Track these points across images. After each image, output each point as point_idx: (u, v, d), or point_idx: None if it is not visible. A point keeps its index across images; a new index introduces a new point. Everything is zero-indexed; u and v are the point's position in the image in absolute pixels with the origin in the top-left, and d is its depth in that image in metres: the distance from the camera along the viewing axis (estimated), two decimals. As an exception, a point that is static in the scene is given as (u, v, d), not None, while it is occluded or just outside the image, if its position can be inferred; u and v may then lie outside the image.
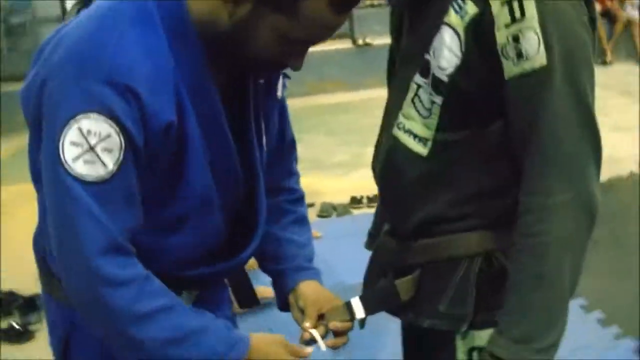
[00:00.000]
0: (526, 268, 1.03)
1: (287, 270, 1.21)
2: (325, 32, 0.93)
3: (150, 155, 0.92)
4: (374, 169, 1.25)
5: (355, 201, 4.23)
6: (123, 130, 0.88)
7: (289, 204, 1.25)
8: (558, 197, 0.99)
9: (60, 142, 0.88)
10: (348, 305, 1.17)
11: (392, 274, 1.22)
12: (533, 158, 1.01)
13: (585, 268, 1.05)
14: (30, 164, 1.00)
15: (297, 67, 0.97)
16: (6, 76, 6.29)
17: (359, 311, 1.17)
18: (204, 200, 0.99)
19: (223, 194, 1.02)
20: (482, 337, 1.12)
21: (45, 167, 0.92)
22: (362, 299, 1.17)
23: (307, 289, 1.20)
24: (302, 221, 1.25)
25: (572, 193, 1.00)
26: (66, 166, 0.88)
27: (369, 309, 1.17)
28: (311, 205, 4.33)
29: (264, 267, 1.25)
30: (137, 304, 0.91)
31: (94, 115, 0.87)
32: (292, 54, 0.96)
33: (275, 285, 1.24)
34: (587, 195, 1.01)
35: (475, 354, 1.15)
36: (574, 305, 2.76)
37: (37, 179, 0.99)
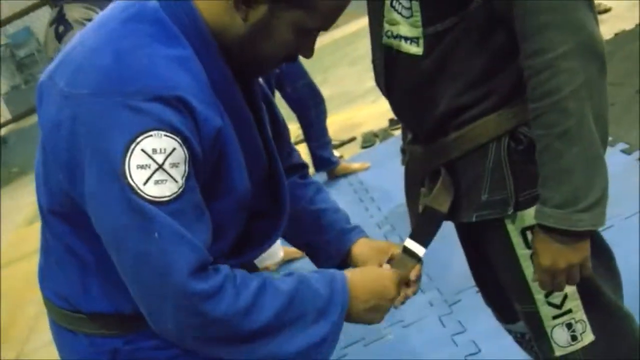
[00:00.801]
0: (549, 130, 1.01)
1: (333, 238, 1.21)
2: (339, 13, 0.93)
3: (202, 164, 0.90)
4: (379, 84, 1.26)
5: (394, 122, 4.19)
6: (185, 141, 0.85)
7: (304, 179, 1.25)
8: (560, 49, 0.97)
9: (126, 169, 0.83)
10: (406, 250, 1.17)
11: (427, 182, 1.25)
12: (525, 18, 1.00)
13: (627, 114, 1.02)
14: (47, 200, 0.96)
15: (309, 55, 0.98)
16: (28, 110, 6.41)
17: (418, 249, 1.17)
18: (241, 202, 0.98)
19: (254, 192, 1.01)
20: (531, 214, 1.11)
21: (103, 207, 0.86)
22: (413, 236, 1.18)
23: (360, 248, 1.20)
24: (322, 189, 1.25)
25: (573, 42, 0.97)
26: (139, 192, 0.83)
27: (424, 242, 1.17)
28: (353, 139, 4.33)
29: (305, 244, 1.24)
30: (239, 300, 0.90)
31: (155, 133, 0.83)
32: (307, 44, 0.96)
33: (322, 257, 1.23)
34: (589, 40, 0.98)
35: (528, 234, 1.16)
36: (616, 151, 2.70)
37: (51, 217, 0.96)
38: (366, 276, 1.05)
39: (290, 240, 1.24)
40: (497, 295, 1.38)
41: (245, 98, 0.99)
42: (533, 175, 1.08)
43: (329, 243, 1.20)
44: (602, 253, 1.22)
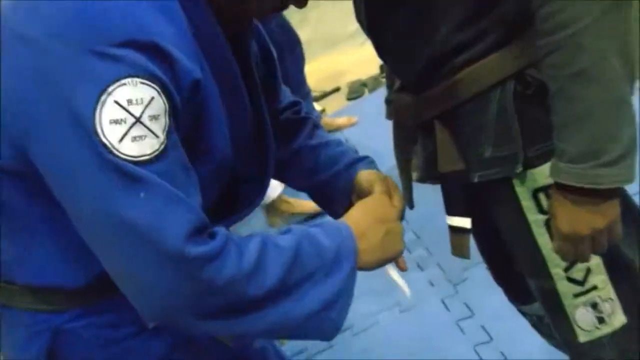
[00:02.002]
0: (562, 70, 1.01)
1: (342, 171, 1.25)
2: None
3: (181, 118, 0.91)
4: (359, 20, 1.25)
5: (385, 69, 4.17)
6: (164, 89, 0.86)
7: (298, 114, 1.30)
8: None
9: (97, 125, 0.82)
10: (453, 229, 1.22)
11: (421, 138, 1.28)
12: None
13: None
14: None
15: (303, 5, 1.01)
16: None
17: (464, 222, 1.22)
18: (221, 164, 1.02)
19: (236, 156, 1.05)
20: (544, 172, 1.12)
21: (71, 172, 0.86)
22: (449, 212, 1.23)
23: (365, 176, 1.24)
24: (319, 125, 1.31)
25: None
26: (115, 152, 0.83)
27: (462, 212, 1.23)
28: (337, 90, 4.30)
29: (311, 186, 1.30)
30: (243, 262, 0.93)
31: (129, 80, 0.83)
32: None
33: (329, 193, 1.28)
34: None
35: (541, 196, 1.16)
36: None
37: None
38: (361, 209, 1.11)
39: (294, 183, 1.30)
40: (508, 271, 1.39)
41: (237, 55, 1.02)
42: (545, 126, 1.08)
43: (337, 177, 1.26)
44: (632, 218, 1.21)
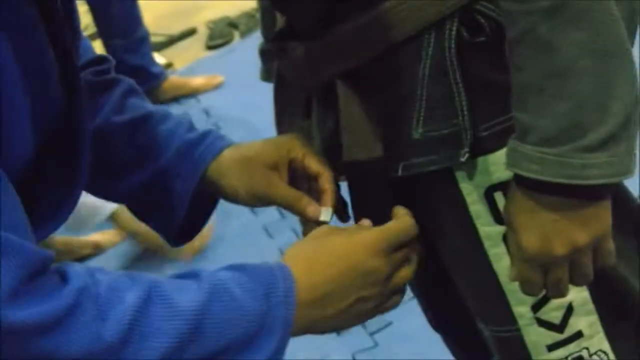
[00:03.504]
0: (530, 4, 1.01)
1: (173, 162, 1.29)
2: None
3: None
4: None
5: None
6: None
7: (101, 75, 1.35)
8: None
9: None
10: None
11: (318, 108, 1.31)
12: None
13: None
14: None
15: None
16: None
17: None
18: (14, 162, 1.03)
19: (38, 145, 1.08)
20: (501, 160, 1.11)
21: None
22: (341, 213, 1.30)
23: (231, 168, 1.29)
24: (136, 90, 1.36)
25: None
26: None
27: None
28: (191, 33, 4.27)
29: (118, 188, 1.34)
30: (105, 331, 0.94)
31: None
32: None
33: (155, 200, 1.32)
34: None
35: (498, 196, 1.17)
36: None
37: None
38: (325, 253, 1.13)
39: (94, 188, 1.32)
40: (450, 311, 1.44)
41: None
42: (502, 91, 1.09)
43: (166, 174, 1.30)
44: (631, 224, 1.22)
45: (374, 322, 2.63)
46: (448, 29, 1.13)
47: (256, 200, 1.30)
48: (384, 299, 1.16)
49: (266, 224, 3.19)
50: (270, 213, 3.05)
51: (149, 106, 1.34)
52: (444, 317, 1.50)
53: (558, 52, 1.01)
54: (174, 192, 1.30)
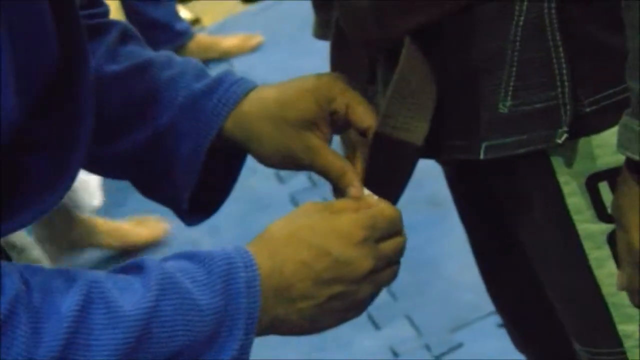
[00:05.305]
0: None
1: (181, 116, 1.31)
2: None
3: None
4: None
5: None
6: None
7: (94, 18, 1.35)
8: None
9: None
10: None
11: (382, 71, 1.32)
12: None
13: None
14: None
15: None
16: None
17: None
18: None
19: (28, 108, 1.09)
20: (611, 143, 1.12)
21: None
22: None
23: (257, 115, 1.29)
24: (134, 35, 1.38)
25: None
26: None
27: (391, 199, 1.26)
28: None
29: (113, 150, 1.35)
30: (40, 348, 0.96)
31: None
32: None
33: (159, 164, 1.34)
34: None
35: (603, 186, 1.18)
36: None
37: None
38: (296, 238, 1.14)
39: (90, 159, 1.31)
40: (541, 327, 1.45)
41: None
42: (613, 56, 1.11)
43: (169, 133, 1.32)
44: None
45: (439, 344, 2.68)
46: None
47: (293, 166, 1.31)
48: (359, 300, 1.15)
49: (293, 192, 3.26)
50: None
51: (149, 53, 1.35)
52: (532, 335, 1.50)
53: None
54: (181, 156, 1.31)
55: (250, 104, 1.28)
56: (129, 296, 1.02)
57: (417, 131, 1.21)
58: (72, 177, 1.16)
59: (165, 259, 1.08)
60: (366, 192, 1.26)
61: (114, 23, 1.36)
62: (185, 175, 1.30)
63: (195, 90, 1.30)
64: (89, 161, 1.30)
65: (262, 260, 1.09)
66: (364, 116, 1.24)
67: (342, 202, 1.22)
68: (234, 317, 1.06)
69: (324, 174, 1.27)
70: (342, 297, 1.13)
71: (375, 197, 1.24)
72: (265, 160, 1.30)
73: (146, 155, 1.33)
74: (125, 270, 1.05)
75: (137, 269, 1.05)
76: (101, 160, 1.35)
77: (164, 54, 1.35)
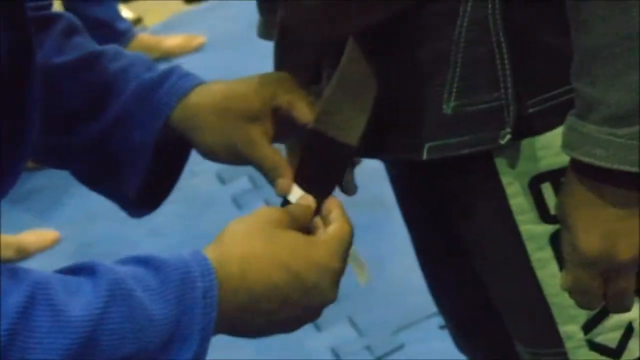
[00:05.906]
0: None
1: (130, 109, 1.30)
2: None
3: None
4: None
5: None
6: None
7: (38, 10, 1.34)
8: None
9: None
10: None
11: (327, 71, 1.31)
12: None
13: None
14: None
15: None
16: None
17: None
18: None
19: None
20: (554, 145, 1.13)
21: None
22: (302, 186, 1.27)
23: (205, 109, 1.30)
24: (78, 27, 1.37)
25: None
26: None
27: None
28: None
29: (61, 142, 1.35)
30: None
31: None
32: None
33: (109, 158, 1.33)
34: None
35: (546, 187, 1.18)
36: None
37: None
38: (278, 261, 1.12)
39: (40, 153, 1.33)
40: (482, 329, 1.47)
41: None
42: (558, 57, 1.12)
43: (120, 123, 1.31)
44: None
45: (381, 345, 2.72)
46: None
47: (234, 158, 1.31)
48: (318, 313, 1.16)
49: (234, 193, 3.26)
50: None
51: (96, 45, 1.35)
52: (475, 337, 1.51)
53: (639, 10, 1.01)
54: (133, 146, 1.31)
55: (198, 96, 1.29)
56: (77, 300, 1.00)
57: (352, 131, 1.21)
58: (21, 166, 1.16)
59: (121, 262, 1.06)
60: (295, 187, 1.27)
61: (60, 15, 1.35)
62: (136, 165, 1.30)
63: (146, 80, 1.30)
64: (43, 152, 1.36)
65: (229, 271, 1.08)
66: (306, 113, 1.25)
67: (296, 210, 1.21)
68: (188, 327, 1.05)
69: (259, 166, 1.28)
70: (304, 314, 1.13)
71: (302, 193, 1.26)
72: (209, 151, 1.30)
73: (100, 144, 1.32)
74: (76, 272, 1.02)
75: (89, 272, 1.02)
76: (55, 151, 1.36)
77: (112, 47, 1.36)
